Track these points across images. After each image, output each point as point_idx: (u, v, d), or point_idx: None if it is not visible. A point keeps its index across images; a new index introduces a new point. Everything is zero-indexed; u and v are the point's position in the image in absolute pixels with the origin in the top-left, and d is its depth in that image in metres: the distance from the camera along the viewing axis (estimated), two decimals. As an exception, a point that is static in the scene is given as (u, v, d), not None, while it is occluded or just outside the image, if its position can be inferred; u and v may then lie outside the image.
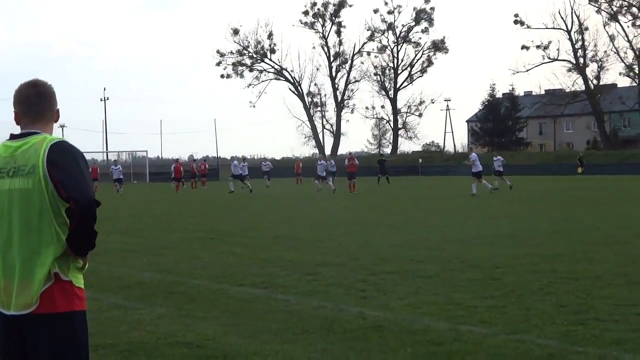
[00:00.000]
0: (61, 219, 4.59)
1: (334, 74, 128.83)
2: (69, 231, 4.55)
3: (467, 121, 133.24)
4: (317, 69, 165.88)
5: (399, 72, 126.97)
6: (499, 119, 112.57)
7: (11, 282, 4.57)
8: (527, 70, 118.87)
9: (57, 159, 4.56)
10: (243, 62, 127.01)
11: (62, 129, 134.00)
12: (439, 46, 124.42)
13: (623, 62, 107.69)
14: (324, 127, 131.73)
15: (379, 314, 10.03)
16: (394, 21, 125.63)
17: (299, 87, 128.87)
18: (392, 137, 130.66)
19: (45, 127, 4.82)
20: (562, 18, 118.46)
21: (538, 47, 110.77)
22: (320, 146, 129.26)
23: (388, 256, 15.53)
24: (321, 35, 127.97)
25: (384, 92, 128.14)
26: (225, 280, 13.08)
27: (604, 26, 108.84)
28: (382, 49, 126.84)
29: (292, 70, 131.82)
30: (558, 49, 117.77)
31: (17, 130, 4.85)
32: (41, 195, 4.56)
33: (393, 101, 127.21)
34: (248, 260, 15.52)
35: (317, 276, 13.19)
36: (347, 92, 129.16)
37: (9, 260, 4.60)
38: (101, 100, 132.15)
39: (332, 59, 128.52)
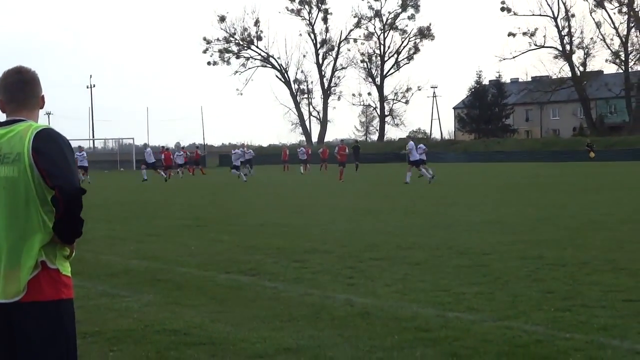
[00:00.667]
0: (48, 206, 4.56)
1: (320, 61, 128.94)
2: (55, 219, 4.53)
3: (453, 108, 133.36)
4: (304, 56, 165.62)
5: (386, 59, 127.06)
6: (485, 106, 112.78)
7: None
8: (514, 57, 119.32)
9: (42, 146, 4.53)
10: (230, 49, 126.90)
11: (49, 117, 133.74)
12: (425, 33, 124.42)
13: (609, 49, 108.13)
14: (310, 114, 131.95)
15: (367, 300, 10.03)
16: (381, 8, 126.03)
17: (285, 74, 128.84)
18: (379, 124, 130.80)
19: (30, 114, 4.78)
20: (549, 5, 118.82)
21: (525, 34, 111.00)
22: (307, 133, 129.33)
23: (375, 243, 15.53)
24: (308, 22, 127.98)
25: (370, 79, 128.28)
26: (213, 267, 13.05)
27: (591, 13, 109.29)
28: (368, 36, 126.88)
29: (278, 58, 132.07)
30: (544, 36, 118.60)
31: (2, 118, 4.82)
32: (27, 183, 4.54)
33: (380, 88, 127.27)
34: (235, 247, 15.50)
35: (304, 263, 13.18)
36: (333, 79, 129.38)
37: None
38: (87, 87, 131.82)
39: (318, 46, 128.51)
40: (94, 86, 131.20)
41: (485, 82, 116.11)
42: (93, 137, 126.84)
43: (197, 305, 10.04)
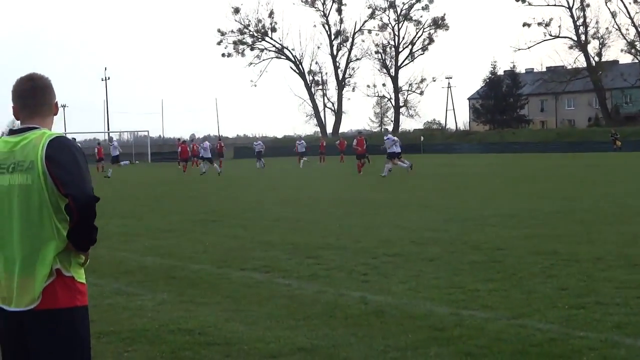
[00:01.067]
0: (61, 215, 4.58)
1: (335, 52, 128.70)
2: (69, 227, 4.55)
3: (468, 99, 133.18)
4: (318, 48, 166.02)
5: (400, 50, 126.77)
6: (500, 97, 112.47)
7: (11, 277, 4.57)
8: (529, 48, 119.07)
9: (55, 154, 4.55)
10: (244, 40, 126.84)
11: (64, 109, 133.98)
12: (439, 23, 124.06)
13: (625, 39, 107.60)
14: (325, 105, 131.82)
15: (381, 298, 10.04)
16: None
17: (300, 66, 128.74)
18: (393, 115, 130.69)
19: (43, 121, 4.80)
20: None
21: (539, 24, 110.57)
22: (322, 125, 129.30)
23: (389, 238, 15.53)
24: (322, 13, 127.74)
25: (385, 70, 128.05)
26: (227, 264, 13.08)
27: (606, 3, 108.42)
28: (383, 27, 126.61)
29: (293, 49, 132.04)
30: (559, 26, 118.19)
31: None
32: (41, 191, 4.55)
33: (394, 79, 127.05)
34: (249, 243, 15.52)
35: (318, 260, 13.19)
36: (348, 70, 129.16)
37: (9, 255, 4.60)
38: (102, 79, 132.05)
39: (333, 37, 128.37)
40: (109, 78, 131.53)
41: (500, 72, 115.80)
42: (108, 129, 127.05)
43: (212, 304, 10.07)
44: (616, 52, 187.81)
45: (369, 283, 11.10)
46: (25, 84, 4.82)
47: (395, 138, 43.16)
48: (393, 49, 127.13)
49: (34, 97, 4.80)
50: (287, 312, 9.45)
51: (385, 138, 42.99)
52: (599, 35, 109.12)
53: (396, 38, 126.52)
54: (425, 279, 11.27)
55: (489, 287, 10.52)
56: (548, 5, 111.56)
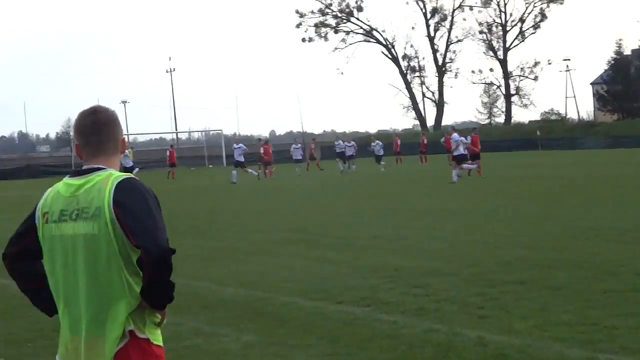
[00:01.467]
0: (133, 268, 4.55)
1: (432, 33, 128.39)
2: (142, 283, 4.51)
3: (591, 84, 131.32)
4: (413, 28, 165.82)
5: (508, 28, 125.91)
6: (629, 81, 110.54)
7: (78, 339, 4.57)
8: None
9: (124, 199, 4.52)
10: (326, 22, 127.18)
11: (124, 105, 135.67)
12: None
13: None
14: (424, 95, 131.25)
15: (502, 338, 9.83)
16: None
17: (392, 50, 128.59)
18: (504, 104, 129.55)
19: (108, 160, 4.79)
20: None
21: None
22: (421, 117, 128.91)
23: (508, 260, 15.20)
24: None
25: (492, 53, 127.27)
26: (320, 296, 12.98)
27: None
28: (486, 3, 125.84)
29: (383, 31, 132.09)
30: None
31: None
32: (109, 241, 4.52)
33: (503, 63, 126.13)
34: (345, 269, 15.40)
35: (426, 289, 13.01)
36: (448, 54, 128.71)
37: (75, 314, 4.59)
38: (167, 71, 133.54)
39: (429, 15, 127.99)
40: (174, 70, 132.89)
41: (627, 52, 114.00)
42: (176, 128, 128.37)
43: (305, 346, 9.98)
44: None
45: (487, 319, 10.88)
46: (86, 118, 4.80)
47: (463, 138, 42.36)
48: (500, 27, 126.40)
49: (98, 133, 4.78)
50: (393, 356, 9.34)
51: (451, 137, 41.99)
52: None
53: (503, 15, 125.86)
54: (553, 313, 11.01)
55: (629, 323, 10.22)
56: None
